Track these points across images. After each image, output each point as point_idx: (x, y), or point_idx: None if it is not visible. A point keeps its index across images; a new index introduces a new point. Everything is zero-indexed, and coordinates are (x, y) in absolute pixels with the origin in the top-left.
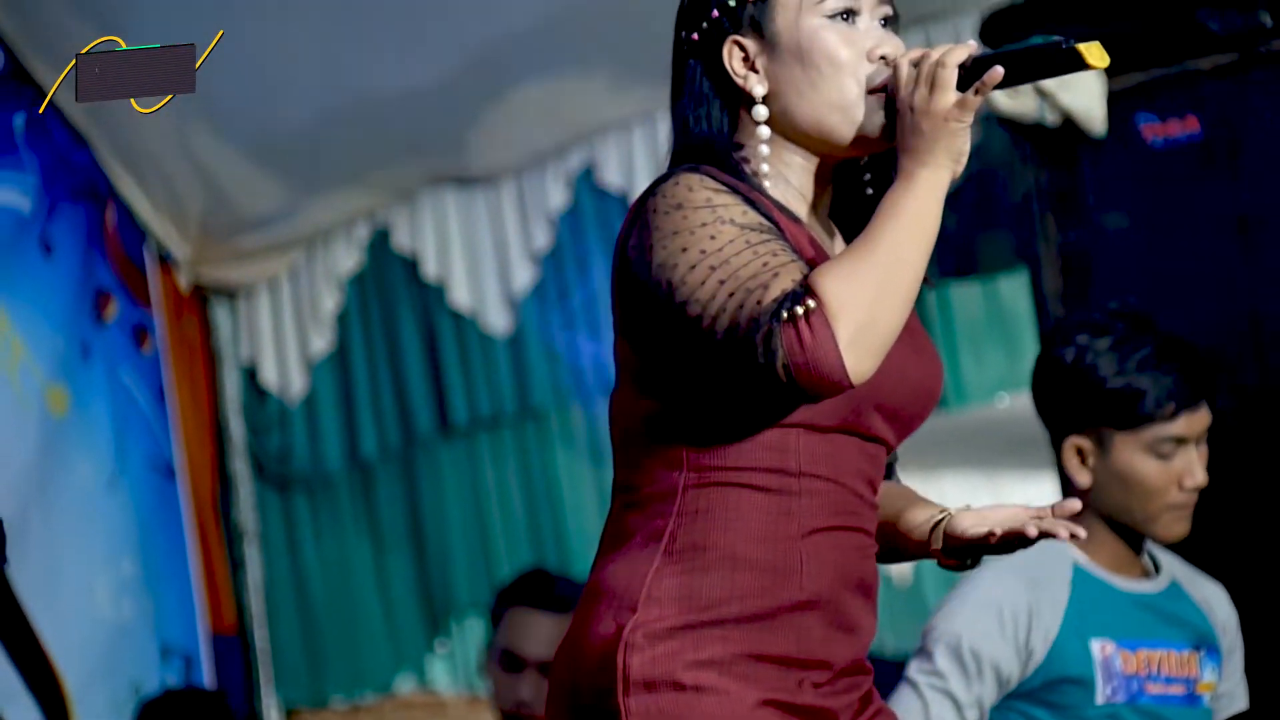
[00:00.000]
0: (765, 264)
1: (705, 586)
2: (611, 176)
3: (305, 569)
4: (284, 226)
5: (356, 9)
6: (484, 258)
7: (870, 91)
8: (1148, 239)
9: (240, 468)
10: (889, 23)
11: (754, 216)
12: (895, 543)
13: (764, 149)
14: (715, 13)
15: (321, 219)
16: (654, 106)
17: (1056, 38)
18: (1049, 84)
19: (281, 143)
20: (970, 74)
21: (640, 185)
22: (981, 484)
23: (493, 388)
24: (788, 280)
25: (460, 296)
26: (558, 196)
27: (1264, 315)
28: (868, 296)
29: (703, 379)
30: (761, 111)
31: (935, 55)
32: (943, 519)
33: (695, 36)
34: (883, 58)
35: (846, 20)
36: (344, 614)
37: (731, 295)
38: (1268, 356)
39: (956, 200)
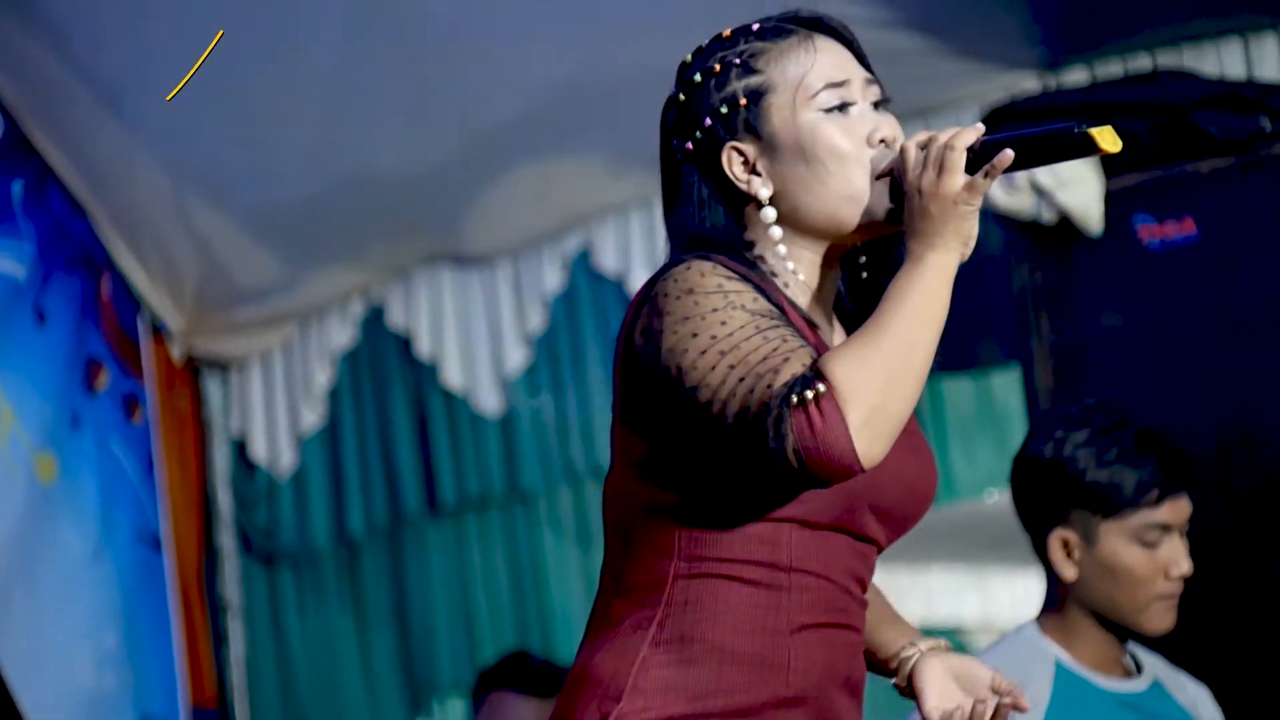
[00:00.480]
0: (775, 349)
1: (692, 679)
2: (607, 260)
3: (288, 644)
4: (279, 300)
5: (358, 89)
6: (477, 338)
7: (876, 177)
8: (1141, 340)
9: (227, 541)
10: (880, 105)
11: (764, 304)
12: None
13: (781, 249)
14: (708, 121)
15: (317, 294)
16: (651, 191)
17: (1069, 122)
18: (1047, 181)
19: (279, 216)
20: (979, 157)
21: (636, 269)
22: (968, 579)
23: (482, 468)
24: (798, 365)
25: (452, 376)
26: (553, 279)
27: (1256, 419)
28: (879, 381)
29: (704, 467)
30: (770, 213)
31: (943, 138)
32: (912, 658)
33: (690, 146)
34: (883, 141)
35: (841, 111)
36: (326, 691)
37: (742, 380)
38: (1259, 459)
39: (951, 294)
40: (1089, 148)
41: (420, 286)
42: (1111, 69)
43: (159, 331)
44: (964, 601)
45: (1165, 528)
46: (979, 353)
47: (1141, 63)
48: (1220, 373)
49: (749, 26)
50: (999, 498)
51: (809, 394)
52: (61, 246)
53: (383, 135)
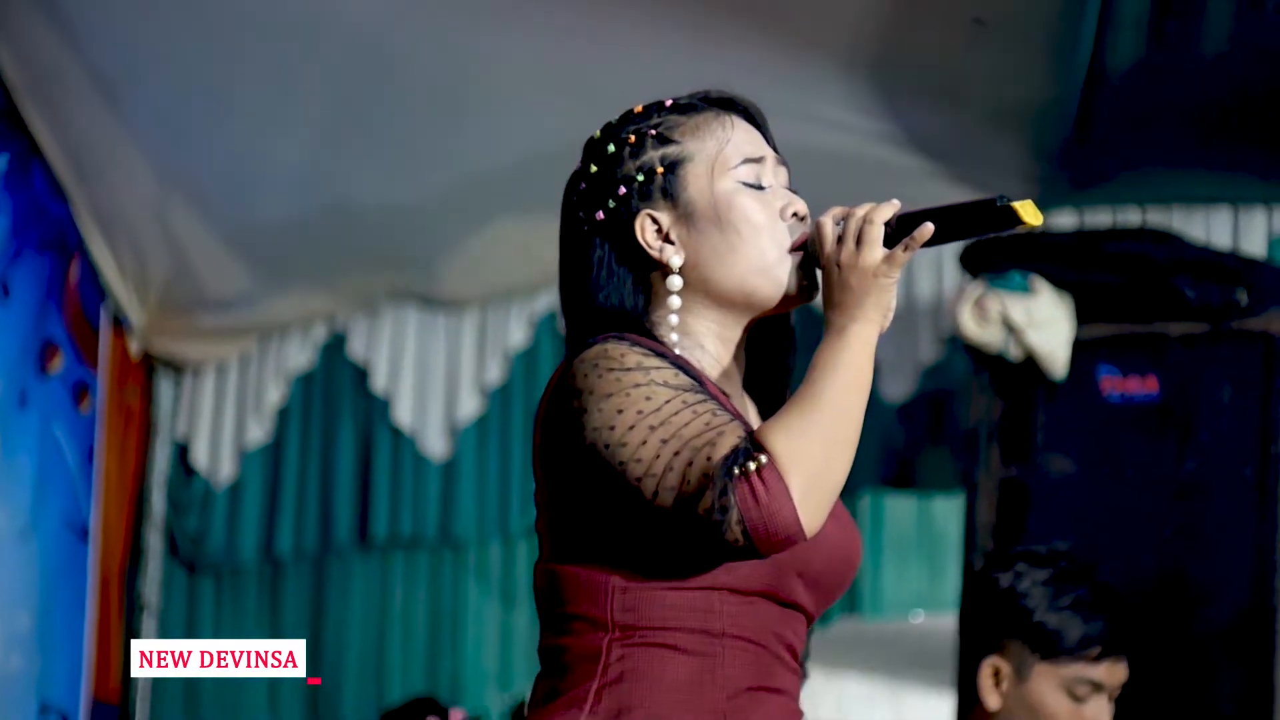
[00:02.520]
0: (708, 423)
1: None
2: None
3: None
4: (243, 313)
5: (351, 121)
6: (434, 381)
7: (789, 250)
8: (1088, 488)
9: (154, 541)
10: (791, 187)
11: (685, 379)
12: None
13: (673, 319)
14: (622, 189)
15: (281, 313)
16: None
17: (991, 196)
18: (1018, 319)
19: (256, 232)
20: (898, 230)
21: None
22: (884, 693)
23: (418, 510)
24: (733, 437)
25: (403, 414)
26: (518, 334)
27: (1192, 581)
28: (817, 450)
29: (632, 542)
30: (676, 282)
31: (861, 212)
32: None
33: (600, 215)
34: (795, 215)
35: (757, 187)
36: (228, 707)
37: (677, 454)
38: (1192, 620)
39: (907, 414)
40: (1011, 220)
41: (385, 321)
42: (1100, 218)
43: (120, 324)
44: (873, 712)
45: (1097, 686)
46: (925, 474)
47: (1131, 216)
48: (1160, 531)
49: (662, 102)
50: (924, 619)
51: (751, 465)
52: (36, 225)
53: (369, 169)
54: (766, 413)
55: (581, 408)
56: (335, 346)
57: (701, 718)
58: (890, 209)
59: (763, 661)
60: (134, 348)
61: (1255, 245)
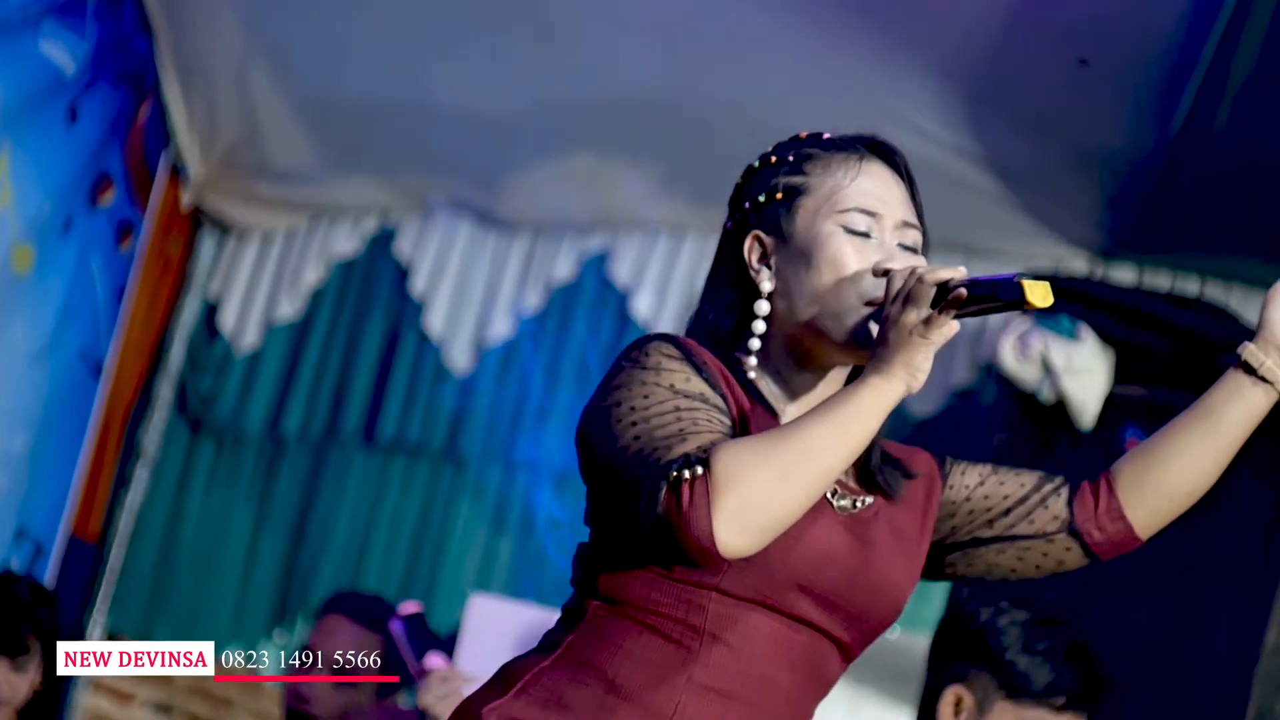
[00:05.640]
0: (681, 429)
1: (575, 697)
2: (621, 271)
3: (185, 512)
4: (301, 189)
5: (449, 19)
6: (471, 296)
7: (867, 304)
8: None
9: (165, 393)
10: (913, 248)
11: (697, 385)
12: (1217, 433)
13: (755, 342)
14: (747, 205)
15: (337, 196)
16: (688, 223)
17: (1011, 274)
18: (1058, 362)
19: (330, 111)
20: (945, 295)
21: (644, 291)
22: (844, 699)
23: (429, 419)
24: (693, 444)
25: (435, 322)
26: (564, 268)
27: (1184, 657)
28: (760, 477)
29: (615, 522)
30: (763, 306)
31: (920, 271)
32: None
33: (729, 224)
34: (888, 271)
35: (863, 236)
36: (202, 569)
37: (641, 451)
38: (1187, 688)
39: (928, 430)
40: (1019, 298)
41: (437, 227)
42: (1160, 279)
43: (177, 173)
44: (830, 716)
45: None
46: None
47: (1189, 284)
48: (1152, 600)
49: (821, 134)
50: (898, 635)
51: (685, 474)
52: (117, 58)
53: (454, 72)
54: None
55: (600, 389)
56: (382, 241)
57: (653, 697)
58: (949, 272)
59: (744, 671)
60: (186, 199)
61: None
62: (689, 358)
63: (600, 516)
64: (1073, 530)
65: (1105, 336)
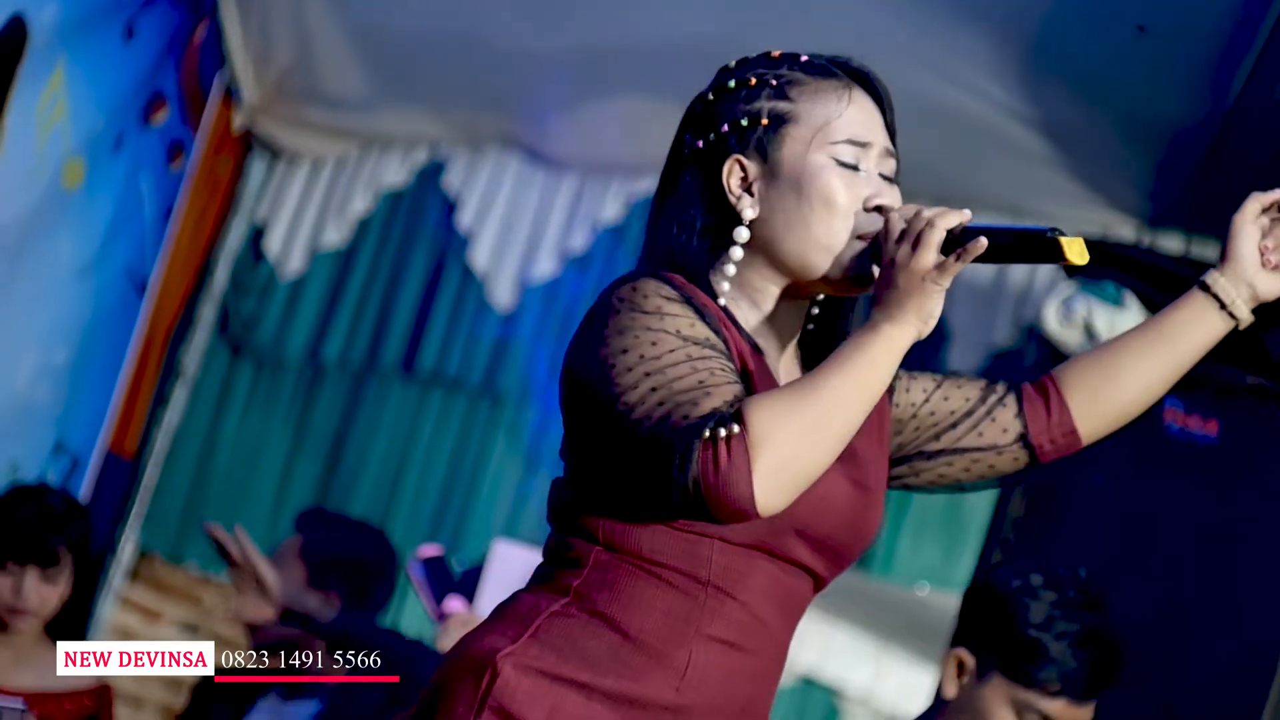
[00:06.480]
0: (701, 380)
1: (590, 649)
2: None
3: (221, 434)
4: (353, 117)
5: None
6: (518, 233)
7: (858, 238)
8: (1120, 507)
9: (207, 314)
10: (891, 178)
11: (702, 330)
12: (1168, 349)
13: (730, 268)
14: (725, 128)
15: (389, 126)
16: None
17: (1043, 227)
18: (1101, 327)
19: (386, 40)
20: (957, 241)
21: None
22: (868, 651)
23: (468, 353)
24: (719, 400)
25: (480, 257)
26: (612, 210)
27: (1213, 626)
28: (793, 434)
29: (621, 474)
30: (743, 234)
31: (927, 214)
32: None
33: (700, 145)
34: (879, 208)
35: (852, 169)
36: (236, 491)
37: (661, 404)
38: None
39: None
40: (1057, 254)
41: (487, 162)
42: (1207, 250)
43: (230, 95)
44: (855, 669)
45: (1045, 718)
46: None
47: None
48: (1178, 568)
49: (797, 55)
50: (928, 592)
51: (722, 432)
52: None
53: (512, 8)
54: None
55: (595, 339)
56: (431, 173)
57: (664, 648)
58: (957, 217)
59: (743, 621)
60: (238, 122)
61: None
62: (688, 300)
63: (588, 459)
64: (1026, 443)
65: (1150, 304)
